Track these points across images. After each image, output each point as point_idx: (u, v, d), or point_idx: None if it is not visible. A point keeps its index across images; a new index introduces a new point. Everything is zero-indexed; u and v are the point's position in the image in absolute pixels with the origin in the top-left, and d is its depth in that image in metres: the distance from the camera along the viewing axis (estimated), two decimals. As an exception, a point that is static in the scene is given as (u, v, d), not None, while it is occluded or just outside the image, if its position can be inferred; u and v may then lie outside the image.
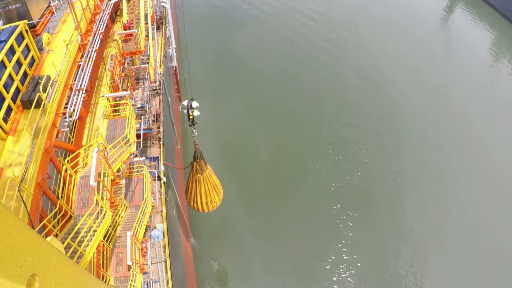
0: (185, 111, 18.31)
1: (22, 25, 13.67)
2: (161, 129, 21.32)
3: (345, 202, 28.09)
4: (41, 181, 10.94)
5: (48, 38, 17.37)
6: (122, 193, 16.20)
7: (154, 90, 23.31)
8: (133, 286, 12.72)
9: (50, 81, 13.95)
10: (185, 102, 18.22)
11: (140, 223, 15.20)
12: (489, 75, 43.17)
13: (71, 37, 17.75)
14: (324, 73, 40.69)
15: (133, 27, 23.57)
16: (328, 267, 24.52)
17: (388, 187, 29.25)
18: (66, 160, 12.49)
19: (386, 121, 35.00)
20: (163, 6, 29.19)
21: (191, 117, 18.36)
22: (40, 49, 16.40)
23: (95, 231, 10.67)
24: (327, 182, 29.56)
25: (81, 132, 17.19)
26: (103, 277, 12.72)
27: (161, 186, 19.17)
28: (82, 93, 15.24)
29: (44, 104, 12.54)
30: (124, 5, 24.44)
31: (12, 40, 12.66)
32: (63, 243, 9.54)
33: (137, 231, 14.83)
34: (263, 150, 31.80)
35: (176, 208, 22.07)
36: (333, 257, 24.96)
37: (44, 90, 12.99)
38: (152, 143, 20.97)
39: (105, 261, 13.50)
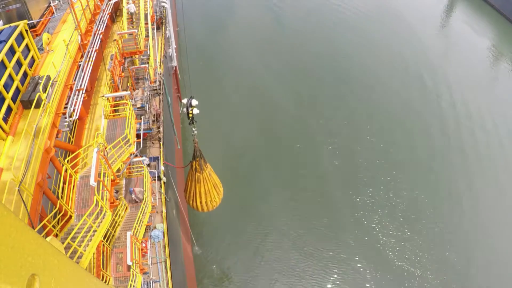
0: (185, 109, 18.28)
1: (22, 25, 13.65)
2: (161, 129, 21.33)
3: (347, 201, 28.12)
4: (41, 181, 10.93)
5: (48, 38, 17.36)
6: (122, 193, 16.21)
7: (154, 90, 23.31)
8: (133, 286, 12.73)
9: (50, 81, 13.94)
10: (184, 101, 18.19)
11: (140, 223, 15.21)
12: (489, 75, 43.18)
13: (71, 37, 17.74)
14: (325, 73, 40.67)
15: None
16: (332, 270, 24.47)
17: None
18: (66, 160, 12.49)
19: (382, 122, 35.01)
20: (163, 6, 29.21)
21: (190, 115, 18.32)
22: (40, 49, 16.39)
23: (95, 231, 10.66)
24: (330, 180, 29.58)
25: (81, 132, 17.19)
26: (103, 277, 12.72)
27: (161, 186, 19.17)
28: (82, 93, 15.24)
29: (44, 104, 12.54)
30: (124, 5, 24.43)
31: (12, 40, 12.64)
32: (63, 243, 9.54)
33: (137, 231, 14.84)
34: (265, 150, 31.77)
35: (176, 208, 22.07)
36: (337, 260, 24.94)
37: (44, 90, 12.98)
38: (152, 143, 20.98)
39: (105, 261, 13.51)
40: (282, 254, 25.01)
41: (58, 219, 11.28)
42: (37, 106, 12.41)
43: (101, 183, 12.17)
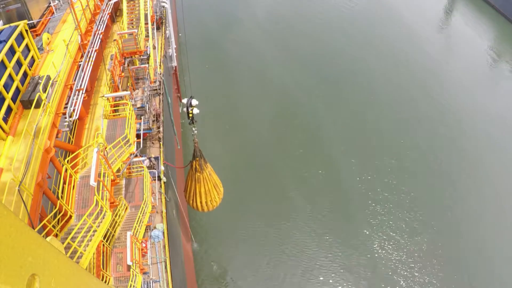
0: (185, 109, 18.27)
1: (22, 25, 13.64)
2: (161, 129, 21.32)
3: (346, 200, 28.13)
4: (41, 181, 10.93)
5: (48, 38, 17.35)
6: (122, 193, 16.19)
7: (154, 90, 23.30)
8: (133, 286, 12.73)
9: (50, 81, 13.94)
10: (184, 100, 18.19)
11: (140, 223, 15.20)
12: (488, 75, 43.17)
13: (71, 37, 17.74)
14: (324, 74, 40.66)
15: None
16: (331, 270, 24.47)
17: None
18: (66, 160, 12.49)
19: (386, 122, 35.02)
20: (163, 6, 29.19)
21: (190, 115, 18.31)
22: (40, 49, 16.39)
23: (95, 231, 10.66)
24: (329, 181, 29.59)
25: (81, 132, 17.19)
26: (103, 277, 12.72)
27: (161, 186, 19.16)
28: (82, 93, 15.24)
29: (44, 104, 12.53)
30: (124, 5, 24.43)
31: (12, 40, 12.64)
32: (63, 243, 9.54)
33: (137, 231, 14.83)
34: (265, 149, 31.78)
35: (176, 208, 22.06)
36: (335, 260, 24.94)
37: (44, 90, 12.98)
38: (152, 143, 20.98)
39: (105, 261, 13.51)
40: (283, 253, 25.01)
41: (58, 219, 11.28)
42: (37, 106, 12.40)
43: (101, 183, 12.17)
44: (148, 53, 23.12)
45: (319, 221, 26.87)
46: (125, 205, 15.92)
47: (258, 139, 32.78)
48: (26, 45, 14.24)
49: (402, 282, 23.91)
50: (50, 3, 21.23)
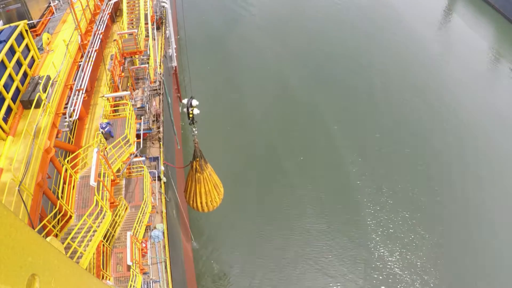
0: (185, 109, 18.25)
1: (22, 25, 13.64)
2: (161, 129, 21.32)
3: (341, 199, 28.14)
4: (41, 181, 10.93)
5: (48, 38, 17.35)
6: (122, 193, 16.20)
7: (154, 90, 23.30)
8: (133, 286, 12.73)
9: (50, 81, 13.94)
10: (185, 101, 18.17)
11: (140, 223, 15.20)
12: (488, 75, 43.17)
13: (71, 37, 17.74)
14: (325, 74, 40.67)
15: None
16: (332, 269, 24.47)
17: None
18: (66, 160, 12.49)
19: (385, 122, 35.02)
20: (163, 6, 29.20)
21: (190, 115, 18.29)
22: (40, 49, 16.39)
23: (95, 231, 10.66)
24: (331, 180, 29.60)
25: (81, 132, 17.19)
26: (103, 277, 12.72)
27: (161, 186, 19.16)
28: (82, 93, 15.24)
29: (44, 104, 12.53)
30: (124, 5, 24.44)
31: (12, 40, 12.64)
32: (63, 243, 9.54)
33: (137, 231, 14.84)
34: (266, 150, 31.77)
35: (176, 208, 22.06)
36: (337, 259, 24.96)
37: (44, 90, 12.98)
38: (152, 143, 20.98)
39: (105, 261, 13.51)
40: (283, 253, 25.02)
41: (58, 219, 11.28)
42: (37, 106, 12.40)
43: (101, 183, 12.17)
44: (148, 53, 23.14)
45: (320, 221, 26.87)
46: (125, 205, 15.93)
47: (259, 139, 32.77)
48: (26, 45, 14.24)
49: (402, 281, 23.92)
50: (50, 3, 21.24)
